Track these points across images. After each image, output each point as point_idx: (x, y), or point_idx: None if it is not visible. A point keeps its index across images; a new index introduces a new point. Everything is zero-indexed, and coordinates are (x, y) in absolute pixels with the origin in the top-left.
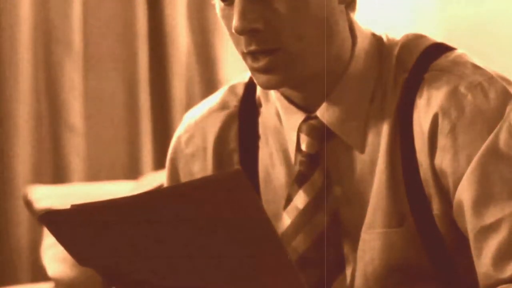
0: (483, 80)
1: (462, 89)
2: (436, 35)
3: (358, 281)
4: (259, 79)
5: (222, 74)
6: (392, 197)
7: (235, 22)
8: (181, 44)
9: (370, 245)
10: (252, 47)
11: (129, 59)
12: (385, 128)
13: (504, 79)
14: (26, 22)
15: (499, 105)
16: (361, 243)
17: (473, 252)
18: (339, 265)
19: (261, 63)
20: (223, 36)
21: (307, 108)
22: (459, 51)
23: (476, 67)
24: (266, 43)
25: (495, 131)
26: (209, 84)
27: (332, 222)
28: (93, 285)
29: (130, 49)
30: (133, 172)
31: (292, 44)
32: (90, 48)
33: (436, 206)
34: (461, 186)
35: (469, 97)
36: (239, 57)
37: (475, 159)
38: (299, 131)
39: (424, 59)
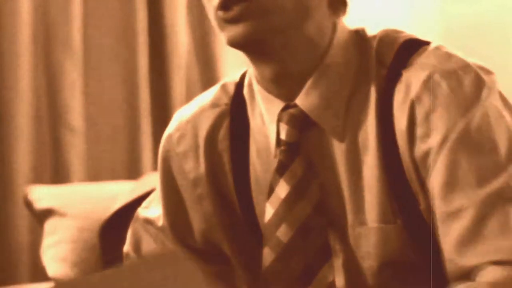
0: (458, 68)
1: (436, 77)
2: (435, 35)
3: (353, 275)
4: (228, 32)
5: (222, 74)
6: (385, 193)
7: None
8: (181, 43)
9: (366, 240)
10: None
11: (129, 59)
12: (370, 123)
13: (482, 68)
14: (26, 22)
15: (473, 92)
16: (355, 238)
17: (439, 237)
18: (325, 254)
19: (233, 12)
20: None
21: (286, 97)
22: (435, 44)
23: (451, 56)
24: None
25: (468, 117)
26: (209, 84)
27: (316, 211)
28: None
29: (130, 49)
30: (133, 172)
31: None
32: (90, 48)
33: (422, 201)
34: (432, 171)
35: (443, 84)
36: (239, 57)
37: (447, 145)
38: (278, 120)
39: (402, 55)
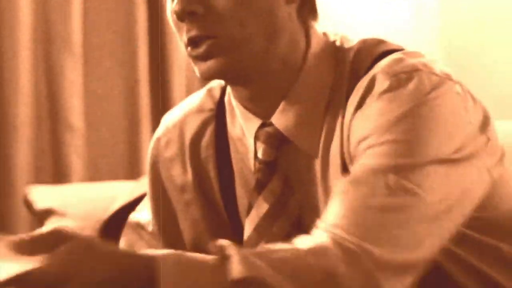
0: (402, 71)
1: (378, 79)
2: (435, 36)
3: None
4: (199, 67)
5: None
6: None
7: (174, 5)
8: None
9: None
10: (193, 33)
11: (129, 59)
12: (337, 136)
13: (446, 75)
14: (26, 22)
15: (412, 93)
16: None
17: None
18: None
19: (201, 49)
20: None
21: (263, 115)
22: (406, 51)
23: (401, 60)
24: (206, 29)
25: (397, 112)
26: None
27: (295, 228)
28: None
29: (130, 49)
30: (133, 172)
31: (233, 30)
32: (90, 48)
33: None
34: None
35: (383, 85)
36: None
37: (372, 137)
38: (255, 138)
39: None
